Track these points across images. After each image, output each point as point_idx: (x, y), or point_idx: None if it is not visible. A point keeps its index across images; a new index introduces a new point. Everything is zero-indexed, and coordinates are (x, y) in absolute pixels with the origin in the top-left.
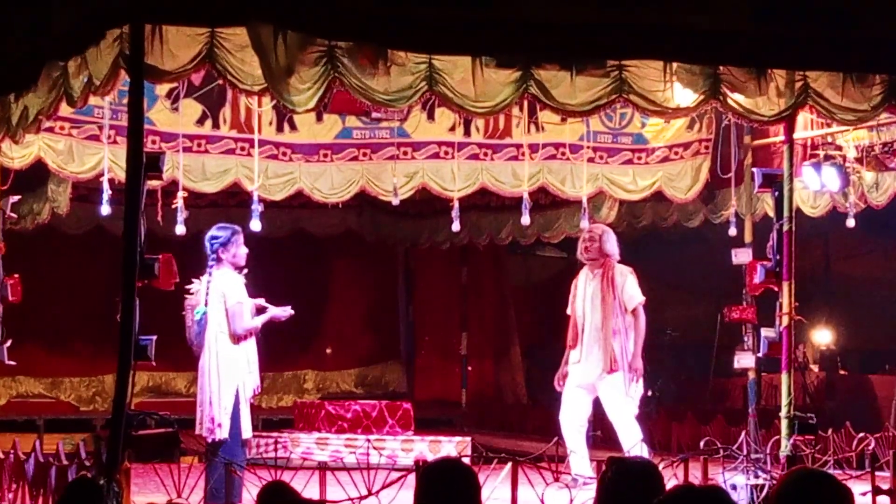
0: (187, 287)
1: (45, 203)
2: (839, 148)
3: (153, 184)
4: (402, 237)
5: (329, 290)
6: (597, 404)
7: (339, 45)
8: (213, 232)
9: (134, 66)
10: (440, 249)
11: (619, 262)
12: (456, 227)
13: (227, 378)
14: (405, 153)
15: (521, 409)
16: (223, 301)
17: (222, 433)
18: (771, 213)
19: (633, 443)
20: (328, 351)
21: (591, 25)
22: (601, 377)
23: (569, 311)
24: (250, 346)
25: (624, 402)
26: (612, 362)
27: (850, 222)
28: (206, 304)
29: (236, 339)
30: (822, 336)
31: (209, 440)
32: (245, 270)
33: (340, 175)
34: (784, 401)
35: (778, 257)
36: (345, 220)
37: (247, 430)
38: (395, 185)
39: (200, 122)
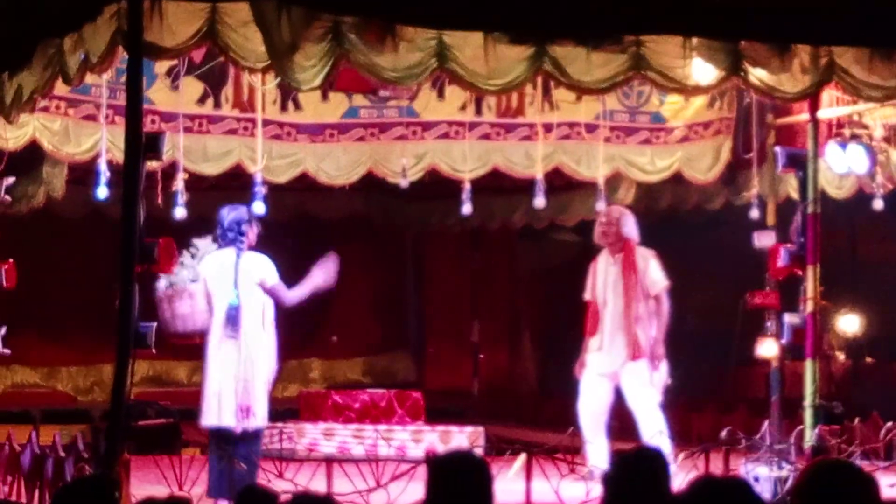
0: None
1: (41, 185)
2: (865, 126)
3: (152, 165)
4: (410, 221)
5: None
6: (616, 393)
7: (345, 21)
8: (232, 214)
9: (132, 43)
10: (450, 233)
11: (639, 244)
12: (467, 210)
13: (264, 367)
14: (414, 133)
15: (535, 398)
16: (258, 284)
17: (255, 422)
18: (795, 195)
19: (654, 432)
20: (334, 339)
21: None
22: (624, 365)
23: (587, 297)
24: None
25: (647, 391)
26: (636, 349)
27: (878, 204)
28: (235, 287)
29: (288, 306)
30: (848, 322)
31: (243, 429)
32: None
33: (347, 156)
34: (808, 390)
35: (802, 240)
36: (351, 202)
37: (265, 420)
38: (404, 167)
39: (201, 101)
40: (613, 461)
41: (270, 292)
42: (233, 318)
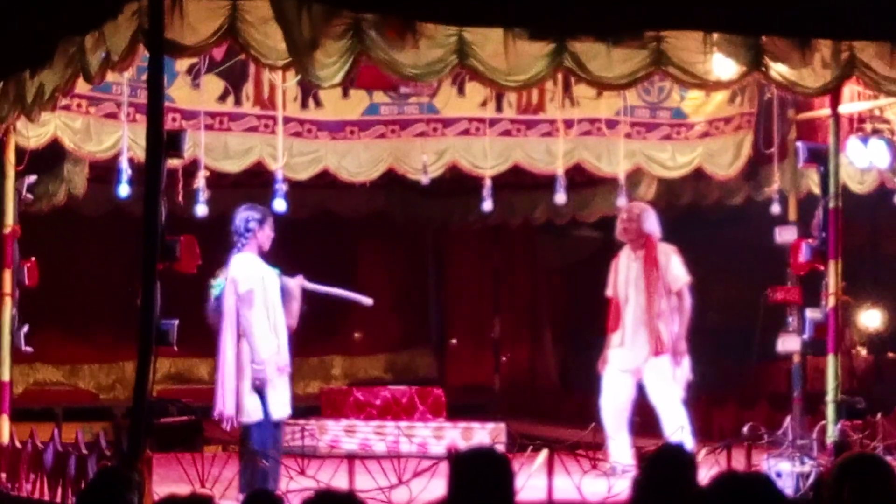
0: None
1: (62, 184)
2: (887, 121)
3: (173, 163)
4: (431, 217)
5: (356, 272)
6: (638, 389)
7: (365, 17)
8: (247, 212)
9: (153, 41)
10: (471, 230)
11: (661, 240)
12: (488, 206)
13: (237, 362)
14: (435, 130)
15: (557, 394)
16: (235, 285)
17: (244, 418)
18: (816, 190)
19: (676, 428)
20: (356, 336)
21: None
22: (647, 361)
23: (609, 293)
24: (280, 327)
25: (670, 387)
26: (659, 345)
27: None
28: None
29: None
30: (870, 317)
31: (224, 426)
32: None
33: (368, 153)
34: (830, 385)
35: (824, 235)
36: (372, 199)
37: (277, 412)
38: (425, 163)
39: (222, 98)
40: (642, 464)
41: (238, 299)
42: (214, 310)
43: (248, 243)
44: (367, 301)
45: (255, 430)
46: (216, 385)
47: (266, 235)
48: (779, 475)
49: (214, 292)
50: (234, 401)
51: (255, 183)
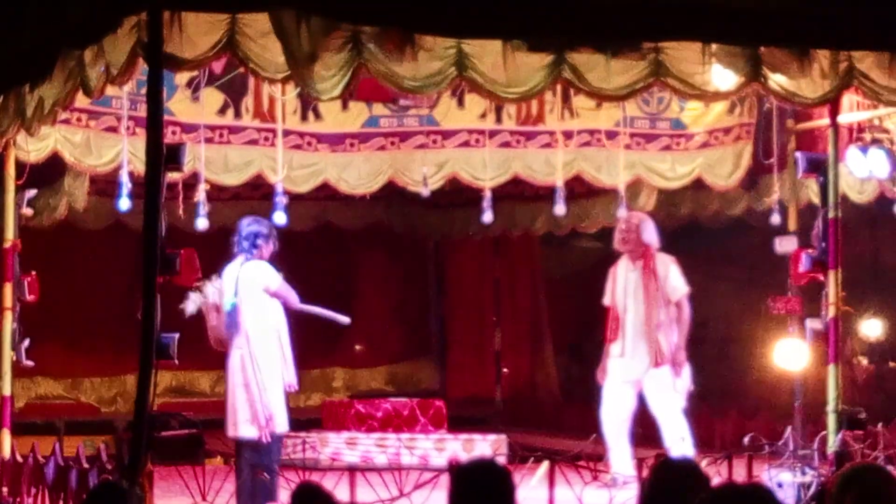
0: (197, 285)
1: (62, 197)
2: (886, 130)
3: (173, 176)
4: (432, 229)
5: (357, 284)
6: (638, 399)
7: (364, 30)
8: (252, 226)
9: (152, 55)
10: (472, 241)
11: (659, 251)
12: (488, 217)
13: (271, 371)
14: (434, 142)
15: (557, 405)
16: (261, 290)
17: (276, 428)
18: (816, 200)
19: (677, 439)
20: (357, 348)
21: (627, 6)
22: (647, 372)
23: (606, 302)
24: (284, 338)
25: (670, 397)
26: (659, 356)
27: None
28: (235, 295)
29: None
30: (871, 327)
31: (262, 438)
32: None
33: (368, 165)
34: (831, 395)
35: (824, 245)
36: (372, 212)
37: (283, 426)
38: (425, 175)
39: (222, 111)
40: (656, 468)
41: (277, 296)
42: (231, 324)
43: (254, 256)
44: (345, 320)
45: (264, 442)
46: (252, 400)
47: (269, 250)
48: (780, 486)
49: (228, 308)
50: (272, 410)
51: (256, 196)
